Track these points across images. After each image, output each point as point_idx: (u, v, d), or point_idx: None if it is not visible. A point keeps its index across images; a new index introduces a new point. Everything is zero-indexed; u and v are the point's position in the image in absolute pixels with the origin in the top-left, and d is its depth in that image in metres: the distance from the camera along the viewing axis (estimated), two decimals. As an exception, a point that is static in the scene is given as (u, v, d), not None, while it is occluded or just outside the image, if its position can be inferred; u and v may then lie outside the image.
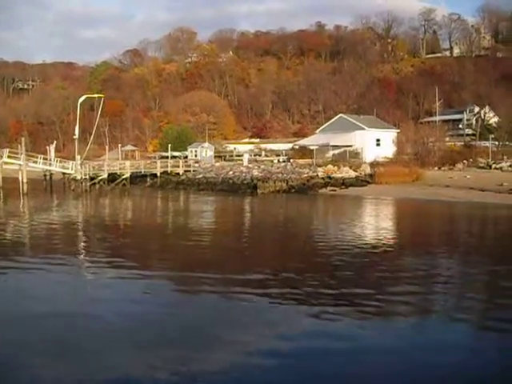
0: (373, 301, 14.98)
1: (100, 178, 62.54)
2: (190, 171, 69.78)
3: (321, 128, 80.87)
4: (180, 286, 17.48)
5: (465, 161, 69.33)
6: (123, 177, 64.12)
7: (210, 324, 13.45)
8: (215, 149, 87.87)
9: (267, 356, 11.41)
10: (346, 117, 77.55)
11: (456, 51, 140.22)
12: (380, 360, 11.23)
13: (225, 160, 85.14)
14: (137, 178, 66.66)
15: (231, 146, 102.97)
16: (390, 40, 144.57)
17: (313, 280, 17.36)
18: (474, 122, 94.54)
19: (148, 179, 67.19)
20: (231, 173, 64.57)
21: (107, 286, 17.32)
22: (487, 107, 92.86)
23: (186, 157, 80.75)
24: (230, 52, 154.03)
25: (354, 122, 74.40)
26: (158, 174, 67.17)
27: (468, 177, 58.37)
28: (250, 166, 68.76)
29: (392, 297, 15.70)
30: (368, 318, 13.67)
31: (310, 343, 12.12)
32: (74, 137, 64.33)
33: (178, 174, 68.77)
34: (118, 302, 15.64)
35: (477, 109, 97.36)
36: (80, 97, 71.85)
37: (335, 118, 79.76)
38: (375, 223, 34.68)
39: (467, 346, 12.16)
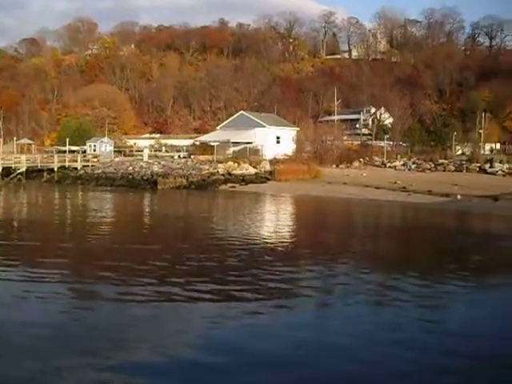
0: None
1: (-8, 172, 60.10)
2: (88, 166, 68.35)
3: (222, 124, 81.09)
4: (65, 292, 16.08)
5: (361, 159, 71.88)
6: (18, 171, 61.71)
7: (90, 335, 12.58)
8: (115, 144, 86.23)
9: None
10: (246, 114, 78.18)
11: (354, 54, 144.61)
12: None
13: (125, 155, 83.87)
14: (33, 173, 64.31)
15: (131, 141, 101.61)
16: (291, 40, 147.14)
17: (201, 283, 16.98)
18: (370, 122, 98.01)
19: (45, 174, 65.03)
20: (131, 168, 63.74)
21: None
22: (382, 108, 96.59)
23: (85, 151, 78.78)
24: (132, 45, 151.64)
25: (255, 119, 75.14)
26: (56, 169, 65.19)
27: (364, 175, 60.61)
28: (150, 161, 68.06)
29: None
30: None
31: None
32: (-35, 128, 61.67)
33: (76, 168, 67.16)
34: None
35: (373, 110, 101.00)
36: (-29, 86, 68.80)
37: (236, 115, 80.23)
38: (270, 219, 35.41)
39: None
